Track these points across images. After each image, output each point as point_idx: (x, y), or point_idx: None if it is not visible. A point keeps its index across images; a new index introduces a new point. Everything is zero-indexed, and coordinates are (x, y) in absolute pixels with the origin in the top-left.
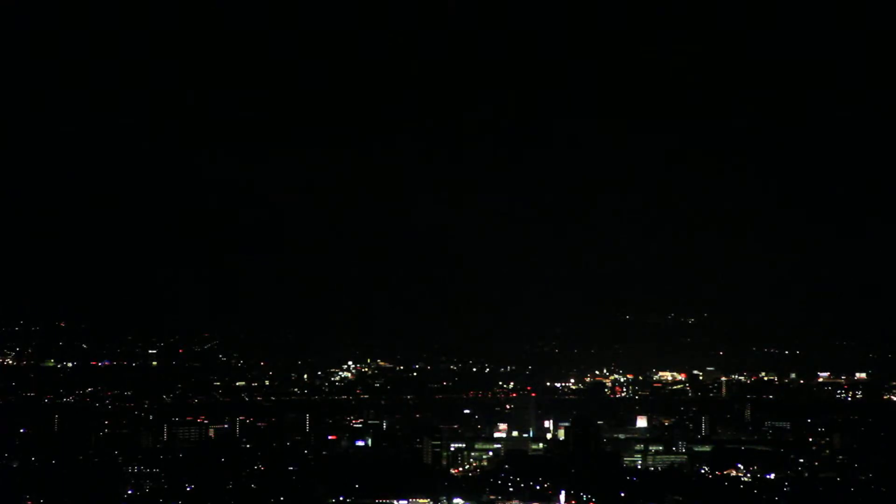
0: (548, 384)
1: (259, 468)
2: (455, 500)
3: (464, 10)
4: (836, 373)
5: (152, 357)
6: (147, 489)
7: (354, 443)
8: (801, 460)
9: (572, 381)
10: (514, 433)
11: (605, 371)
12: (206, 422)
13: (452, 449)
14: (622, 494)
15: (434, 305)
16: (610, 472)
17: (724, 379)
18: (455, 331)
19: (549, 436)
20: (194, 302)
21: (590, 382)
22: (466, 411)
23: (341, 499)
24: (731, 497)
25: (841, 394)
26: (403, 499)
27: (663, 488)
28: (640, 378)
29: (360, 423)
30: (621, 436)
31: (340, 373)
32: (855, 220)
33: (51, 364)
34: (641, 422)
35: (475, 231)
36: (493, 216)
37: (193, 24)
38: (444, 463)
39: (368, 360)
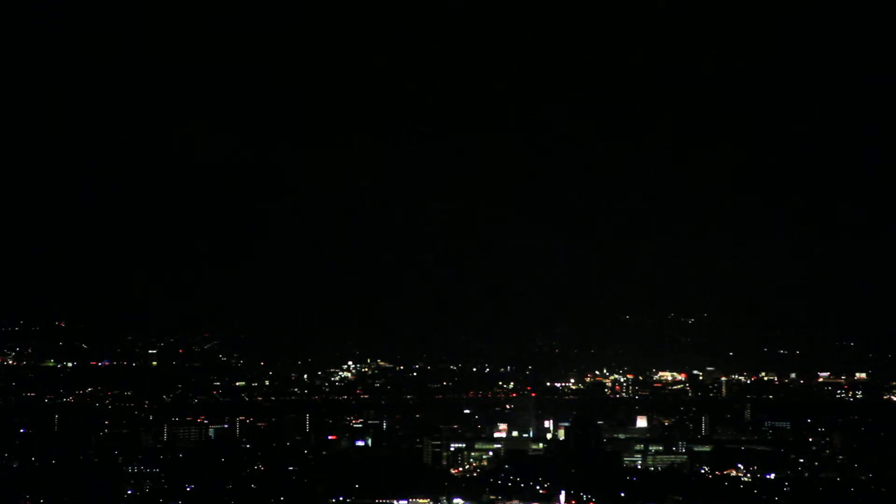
0: (548, 384)
1: (259, 468)
2: (455, 500)
3: (463, 9)
4: (836, 373)
5: (152, 357)
6: (147, 489)
7: (354, 443)
8: (801, 460)
9: (572, 381)
10: (514, 433)
11: (605, 371)
12: (206, 422)
13: (452, 449)
14: (622, 494)
15: (434, 305)
16: (610, 472)
17: (724, 379)
18: (455, 331)
19: (549, 436)
20: (194, 302)
21: (590, 382)
22: (466, 411)
23: (341, 499)
24: (731, 497)
25: (841, 394)
26: (403, 499)
27: (663, 488)
28: (640, 378)
29: (360, 423)
30: (621, 436)
31: (340, 373)
32: (855, 220)
33: (51, 364)
34: (641, 422)
35: (475, 231)
36: (493, 216)
37: (193, 24)
38: (444, 463)
39: (368, 360)
